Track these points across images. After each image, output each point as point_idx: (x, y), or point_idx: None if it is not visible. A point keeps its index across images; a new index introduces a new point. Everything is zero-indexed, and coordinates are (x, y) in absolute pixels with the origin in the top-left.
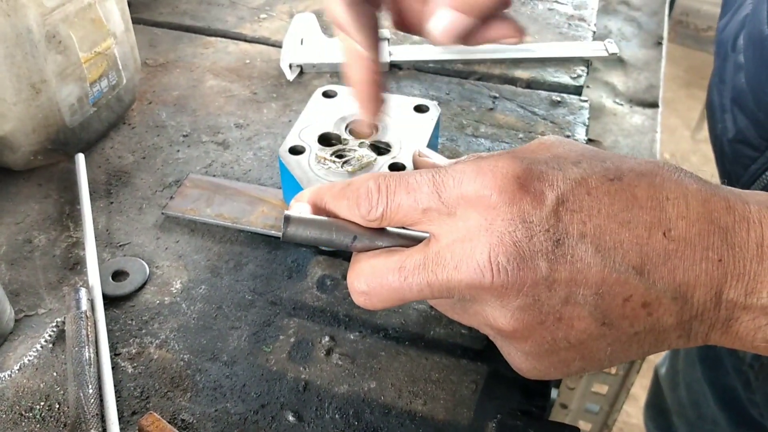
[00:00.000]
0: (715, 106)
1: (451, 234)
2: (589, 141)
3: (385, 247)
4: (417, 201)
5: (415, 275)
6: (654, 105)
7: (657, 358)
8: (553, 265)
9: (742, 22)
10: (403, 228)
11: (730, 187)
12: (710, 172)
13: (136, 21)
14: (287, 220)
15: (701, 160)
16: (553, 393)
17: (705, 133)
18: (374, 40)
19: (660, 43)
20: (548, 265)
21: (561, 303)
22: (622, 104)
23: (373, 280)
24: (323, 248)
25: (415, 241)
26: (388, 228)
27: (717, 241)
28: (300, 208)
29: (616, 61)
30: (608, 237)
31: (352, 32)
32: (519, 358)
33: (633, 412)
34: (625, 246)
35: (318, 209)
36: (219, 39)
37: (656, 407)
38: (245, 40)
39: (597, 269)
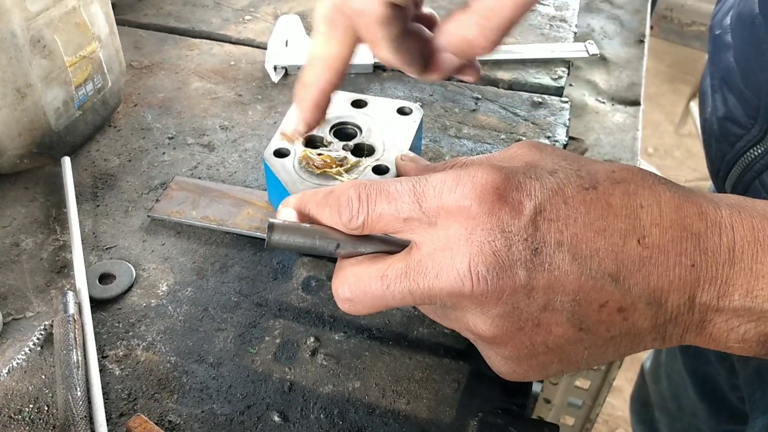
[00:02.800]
0: (706, 89)
1: (432, 243)
2: (571, 139)
3: (368, 253)
4: (398, 210)
5: (397, 283)
6: (636, 103)
7: (644, 353)
8: (532, 273)
9: (731, 4)
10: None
11: (702, 192)
12: (693, 166)
13: (120, 23)
14: (271, 227)
15: (685, 155)
16: (537, 388)
17: (689, 128)
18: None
19: (642, 41)
20: (527, 274)
21: (539, 310)
22: (604, 102)
23: (357, 287)
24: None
25: (397, 246)
26: (371, 234)
27: (690, 246)
28: (286, 213)
29: (599, 60)
30: (584, 245)
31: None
32: (499, 362)
33: (618, 404)
34: (601, 254)
35: (303, 216)
36: (204, 41)
37: (640, 401)
38: (230, 42)
39: (574, 277)
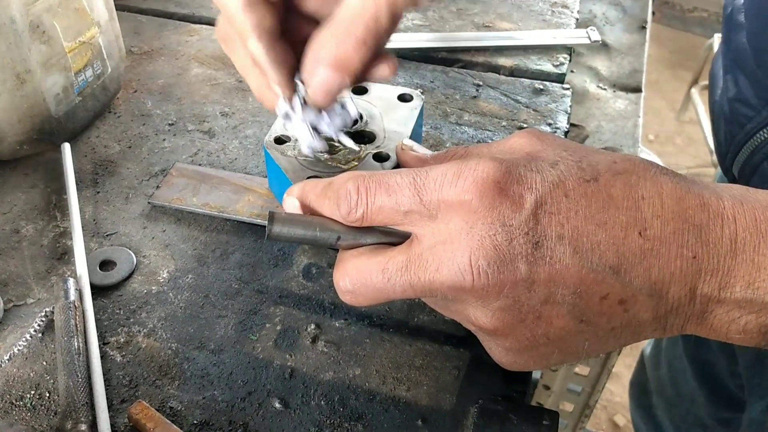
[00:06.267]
0: (717, 71)
1: (433, 236)
2: (573, 126)
3: (369, 244)
4: (398, 203)
5: (398, 276)
6: (637, 90)
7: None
8: (533, 266)
9: None
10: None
11: (704, 182)
12: (694, 153)
13: (120, 8)
14: (272, 219)
15: (685, 142)
16: (537, 375)
17: (690, 114)
18: (290, 78)
19: (644, 28)
20: (528, 267)
21: (540, 303)
22: (605, 89)
23: (358, 280)
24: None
25: (399, 237)
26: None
27: (691, 238)
28: (291, 203)
29: (600, 46)
30: (585, 238)
31: (270, 71)
32: (500, 353)
33: (617, 390)
34: (602, 246)
35: (304, 207)
36: (204, 26)
37: (639, 386)
38: None
39: (575, 269)
